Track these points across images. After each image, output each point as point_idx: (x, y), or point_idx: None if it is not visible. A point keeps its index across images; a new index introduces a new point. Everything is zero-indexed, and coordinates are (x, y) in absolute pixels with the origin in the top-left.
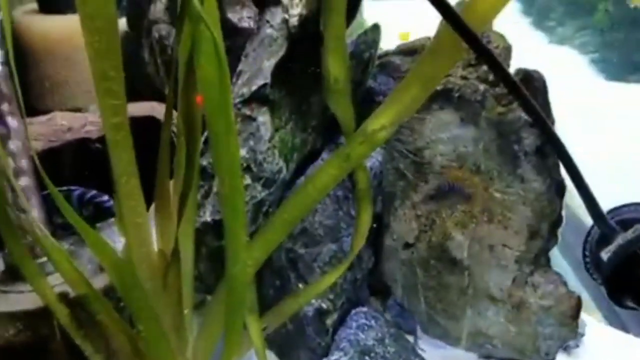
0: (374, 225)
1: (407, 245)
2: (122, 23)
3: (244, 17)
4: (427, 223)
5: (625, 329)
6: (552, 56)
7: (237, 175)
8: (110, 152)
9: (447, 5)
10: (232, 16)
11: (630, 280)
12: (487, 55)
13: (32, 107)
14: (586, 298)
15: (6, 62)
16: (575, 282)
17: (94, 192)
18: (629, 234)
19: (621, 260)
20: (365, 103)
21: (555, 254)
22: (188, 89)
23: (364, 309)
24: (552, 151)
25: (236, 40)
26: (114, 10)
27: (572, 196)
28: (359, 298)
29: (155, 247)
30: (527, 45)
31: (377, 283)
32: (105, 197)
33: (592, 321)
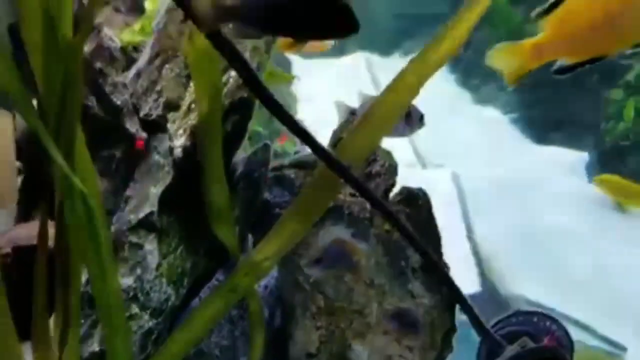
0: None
1: (310, 356)
2: None
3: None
4: (327, 334)
5: None
6: (476, 118)
7: (120, 316)
8: None
9: (316, 143)
10: (130, 126)
11: None
12: (363, 190)
13: None
14: None
15: None
16: None
17: None
18: (515, 348)
19: None
20: (264, 216)
21: None
22: (62, 217)
23: None
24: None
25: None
26: None
27: None
28: None
29: None
30: (452, 106)
31: None
32: None
33: None
